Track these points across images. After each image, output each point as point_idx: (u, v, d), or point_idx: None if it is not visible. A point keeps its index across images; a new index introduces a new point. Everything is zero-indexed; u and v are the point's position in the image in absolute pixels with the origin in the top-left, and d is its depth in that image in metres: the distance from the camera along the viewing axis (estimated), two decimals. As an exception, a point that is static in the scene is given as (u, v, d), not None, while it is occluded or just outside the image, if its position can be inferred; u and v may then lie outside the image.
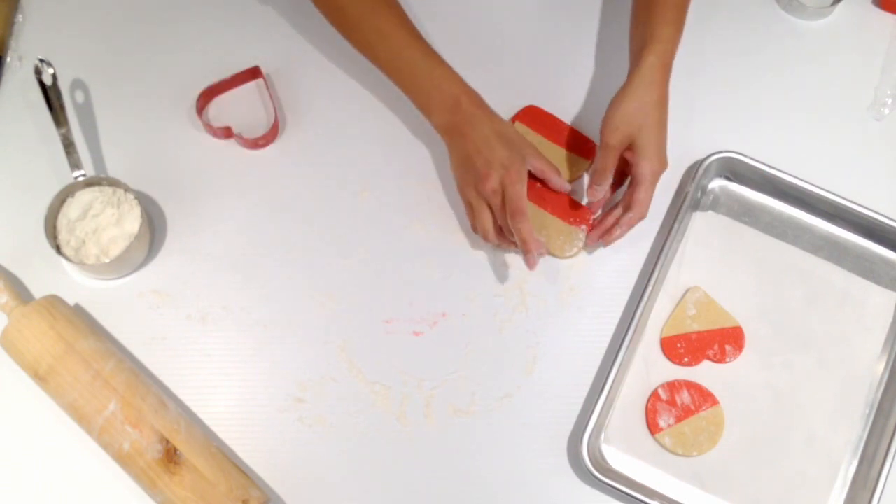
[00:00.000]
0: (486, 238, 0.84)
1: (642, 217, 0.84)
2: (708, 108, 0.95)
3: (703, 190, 0.91)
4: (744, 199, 0.91)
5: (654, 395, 0.83)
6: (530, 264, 0.82)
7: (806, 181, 0.88)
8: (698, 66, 0.97)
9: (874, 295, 0.88)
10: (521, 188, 0.80)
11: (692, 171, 0.90)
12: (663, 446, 0.82)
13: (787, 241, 0.90)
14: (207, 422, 0.82)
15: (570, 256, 0.87)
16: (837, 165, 0.93)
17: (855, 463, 0.83)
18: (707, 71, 0.97)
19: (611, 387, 0.81)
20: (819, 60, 0.98)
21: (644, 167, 0.81)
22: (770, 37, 0.99)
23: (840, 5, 0.99)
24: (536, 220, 0.86)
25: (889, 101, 0.96)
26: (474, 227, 0.86)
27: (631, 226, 0.84)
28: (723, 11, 1.00)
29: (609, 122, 0.82)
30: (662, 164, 0.82)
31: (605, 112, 0.82)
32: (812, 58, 0.98)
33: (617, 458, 0.82)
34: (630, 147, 0.82)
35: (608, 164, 0.83)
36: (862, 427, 0.84)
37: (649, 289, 0.84)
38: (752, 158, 0.89)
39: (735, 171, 0.90)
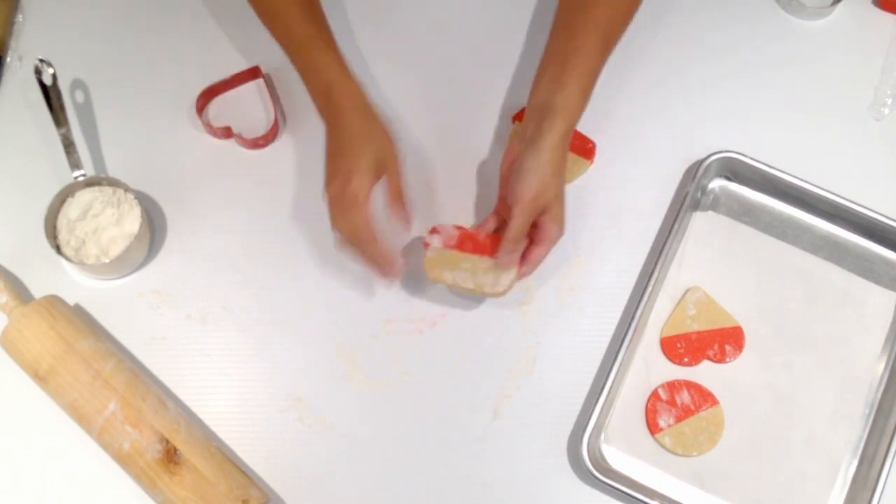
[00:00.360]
0: (341, 247, 0.82)
1: (528, 274, 0.82)
2: (708, 108, 0.95)
3: (703, 190, 0.91)
4: (744, 199, 0.91)
5: (654, 395, 0.83)
6: (388, 276, 0.81)
7: (806, 181, 0.88)
8: (698, 66, 0.97)
9: (874, 295, 0.88)
10: (360, 208, 0.77)
11: (692, 171, 0.90)
12: (663, 446, 0.82)
13: (787, 241, 0.90)
14: (207, 422, 0.82)
15: (502, 292, 0.80)
16: (837, 165, 0.93)
17: (855, 463, 0.83)
18: (707, 70, 0.97)
19: (611, 387, 0.81)
20: (819, 60, 0.98)
21: (553, 231, 0.80)
22: (770, 37, 0.99)
23: (840, 5, 0.99)
24: (458, 263, 0.81)
25: (889, 101, 0.96)
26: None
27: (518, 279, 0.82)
28: (723, 11, 1.00)
29: (529, 188, 0.78)
30: (563, 232, 0.82)
31: (521, 176, 0.78)
32: (812, 58, 0.98)
33: (617, 458, 0.82)
34: (542, 212, 0.80)
35: (525, 229, 0.80)
36: (862, 427, 0.84)
37: (649, 289, 0.84)
38: (752, 158, 0.89)
39: (735, 171, 0.90)
